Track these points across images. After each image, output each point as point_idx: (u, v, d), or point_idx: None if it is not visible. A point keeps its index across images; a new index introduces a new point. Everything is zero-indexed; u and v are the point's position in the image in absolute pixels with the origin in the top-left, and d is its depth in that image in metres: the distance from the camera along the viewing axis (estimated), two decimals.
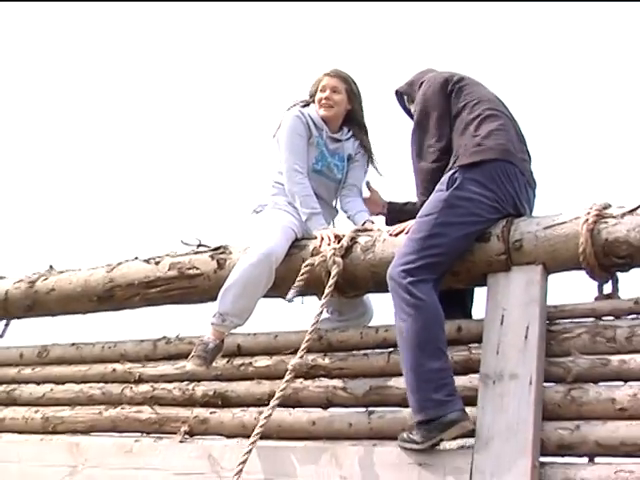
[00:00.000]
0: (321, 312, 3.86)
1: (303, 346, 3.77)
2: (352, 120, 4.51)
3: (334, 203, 4.54)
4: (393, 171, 4.63)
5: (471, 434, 3.38)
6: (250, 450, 3.60)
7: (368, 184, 4.55)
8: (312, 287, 4.01)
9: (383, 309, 4.05)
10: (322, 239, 4.07)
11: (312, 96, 4.52)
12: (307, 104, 4.50)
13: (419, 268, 3.55)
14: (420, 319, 3.46)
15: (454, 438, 3.41)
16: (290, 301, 4.00)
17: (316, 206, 4.23)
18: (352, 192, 4.49)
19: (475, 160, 3.67)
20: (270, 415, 3.65)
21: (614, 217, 3.42)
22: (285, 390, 3.70)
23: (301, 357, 3.76)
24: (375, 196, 4.52)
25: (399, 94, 4.31)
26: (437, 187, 3.72)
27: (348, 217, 4.45)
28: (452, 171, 3.70)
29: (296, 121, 4.39)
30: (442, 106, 3.92)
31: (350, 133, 4.51)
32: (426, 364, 3.41)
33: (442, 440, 3.40)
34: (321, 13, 10.31)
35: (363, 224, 4.22)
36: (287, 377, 3.72)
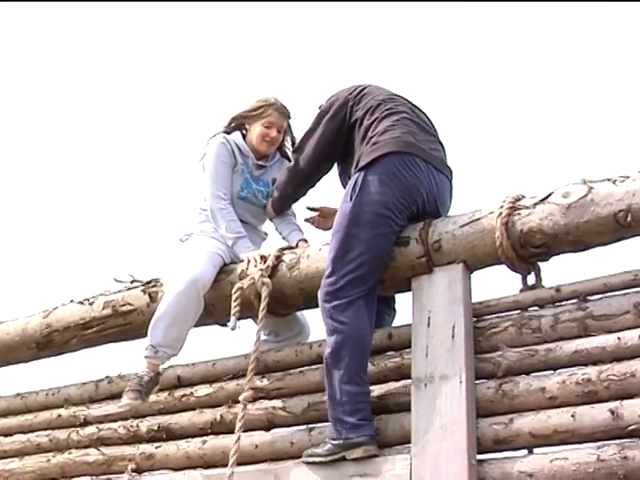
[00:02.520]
0: (259, 338, 3.86)
1: (249, 375, 3.77)
2: (281, 146, 4.52)
3: (261, 227, 4.53)
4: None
5: (407, 440, 3.38)
6: None
7: (307, 208, 4.47)
8: (244, 310, 3.99)
9: (318, 324, 4.04)
10: (248, 261, 4.05)
11: (245, 119, 4.45)
12: (234, 129, 4.48)
13: (341, 289, 3.56)
14: (341, 344, 3.49)
15: (354, 459, 3.42)
16: (233, 329, 3.97)
17: (241, 230, 4.21)
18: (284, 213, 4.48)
19: (372, 158, 3.67)
20: (238, 447, 3.62)
21: (527, 208, 3.43)
22: (242, 422, 3.68)
23: (250, 388, 3.76)
24: (324, 211, 4.40)
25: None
26: (342, 198, 3.72)
27: (283, 238, 4.43)
28: (354, 177, 3.70)
29: (221, 148, 4.37)
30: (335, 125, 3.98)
31: (277, 157, 4.50)
32: (343, 387, 3.46)
33: (344, 458, 3.43)
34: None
35: (296, 244, 4.21)
36: (240, 413, 3.70)
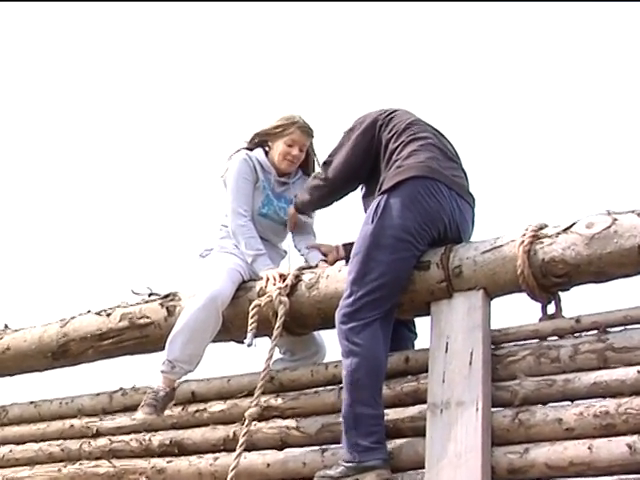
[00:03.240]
0: (271, 356, 3.87)
1: (257, 392, 3.78)
2: (303, 164, 4.52)
3: (281, 245, 4.53)
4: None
5: (421, 465, 3.36)
6: None
7: (307, 247, 4.44)
8: (260, 328, 3.99)
9: (334, 345, 4.03)
10: (267, 279, 4.05)
11: (268, 136, 4.46)
12: (256, 145, 4.49)
13: (358, 310, 3.55)
14: (356, 366, 3.48)
15: None
16: (249, 346, 3.97)
17: (260, 247, 4.21)
18: (303, 230, 4.48)
19: (395, 181, 3.67)
20: (237, 463, 3.64)
21: (549, 237, 3.42)
22: (246, 437, 3.69)
23: (257, 404, 3.76)
24: (324, 248, 4.42)
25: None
26: (364, 220, 3.72)
27: (302, 255, 4.43)
28: (376, 200, 3.71)
29: (243, 165, 4.38)
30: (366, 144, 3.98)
31: (299, 174, 4.51)
32: (358, 409, 3.45)
33: None
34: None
35: (316, 265, 4.20)
36: (245, 428, 3.71)
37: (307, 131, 4.42)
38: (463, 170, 3.96)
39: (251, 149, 4.46)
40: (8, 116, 10.83)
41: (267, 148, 4.46)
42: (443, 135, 4.01)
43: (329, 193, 4.19)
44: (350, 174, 4.07)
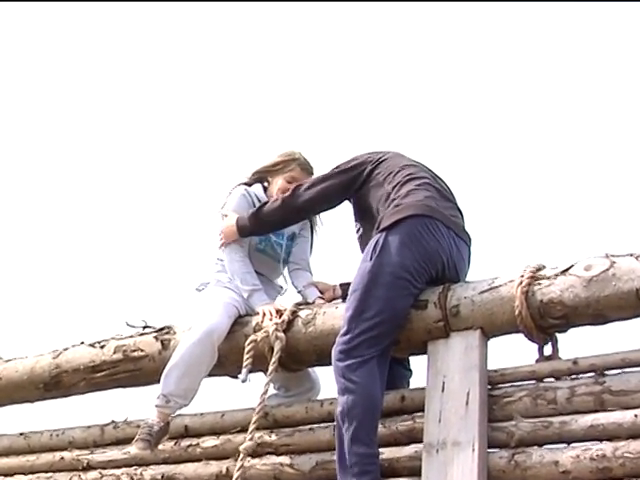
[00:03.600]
0: (266, 391, 3.87)
1: (251, 427, 3.77)
2: None
3: (277, 281, 4.53)
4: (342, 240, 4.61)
5: None
6: None
7: (304, 284, 4.44)
8: (256, 363, 3.98)
9: (329, 381, 4.02)
10: (264, 314, 4.05)
11: (268, 173, 4.48)
12: (255, 181, 4.50)
13: (355, 347, 3.55)
14: (352, 404, 3.47)
15: None
16: (244, 381, 3.96)
17: (256, 282, 4.22)
18: (300, 266, 4.48)
19: (394, 220, 3.69)
20: None
21: (547, 278, 3.44)
22: (241, 472, 3.68)
23: (251, 439, 3.74)
24: (321, 286, 4.43)
25: None
26: (362, 257, 3.73)
27: (298, 292, 4.42)
28: (375, 238, 3.72)
29: (242, 199, 4.39)
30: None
31: None
32: (352, 448, 3.43)
33: None
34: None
35: (313, 301, 4.20)
36: (239, 463, 3.70)
37: (307, 168, 4.44)
38: (459, 209, 3.99)
39: (250, 184, 4.47)
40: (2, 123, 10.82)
41: (266, 184, 4.47)
42: (438, 176, 4.06)
43: (291, 216, 4.24)
44: (319, 204, 4.19)
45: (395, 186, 3.86)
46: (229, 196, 4.46)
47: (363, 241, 4.03)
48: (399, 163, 4.01)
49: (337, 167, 4.15)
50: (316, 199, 4.14)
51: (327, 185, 4.11)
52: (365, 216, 4.01)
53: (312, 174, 4.44)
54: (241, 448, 3.72)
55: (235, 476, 3.64)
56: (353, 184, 4.05)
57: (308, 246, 4.54)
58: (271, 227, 4.31)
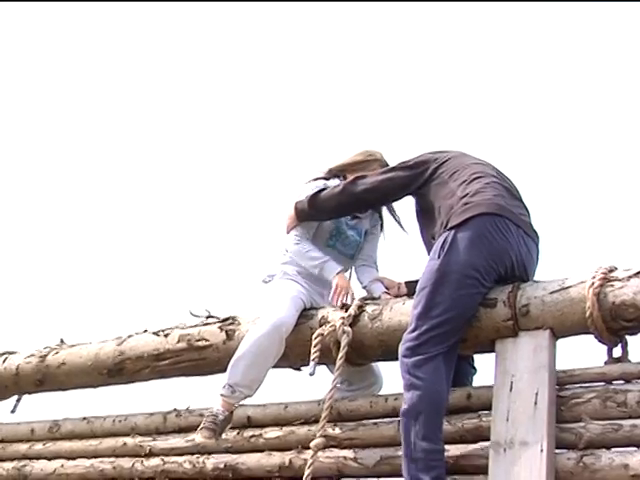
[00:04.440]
0: (335, 385, 3.87)
1: (322, 422, 3.79)
2: None
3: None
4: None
5: None
6: None
7: (370, 279, 4.47)
8: (320, 357, 3.99)
9: (392, 377, 4.03)
10: (337, 290, 4.08)
11: (345, 170, 4.49)
12: (333, 176, 4.52)
13: (422, 345, 3.56)
14: (417, 400, 3.48)
15: None
16: (312, 374, 3.97)
17: (322, 255, 4.25)
18: (367, 262, 4.51)
19: (464, 218, 3.68)
20: None
21: (620, 280, 3.41)
22: (312, 469, 3.70)
23: (322, 435, 3.77)
24: (387, 282, 4.45)
25: None
26: (430, 255, 3.74)
27: (363, 287, 4.43)
28: (443, 236, 3.72)
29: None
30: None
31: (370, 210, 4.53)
32: (418, 443, 3.44)
33: None
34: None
35: (379, 296, 4.21)
36: (310, 460, 3.73)
37: (381, 165, 4.42)
38: (526, 208, 3.97)
39: (327, 179, 4.48)
40: (18, 120, 10.92)
41: (342, 179, 4.47)
42: (504, 174, 4.03)
43: (347, 205, 4.26)
44: (378, 196, 4.20)
45: (461, 184, 3.85)
46: (306, 187, 4.47)
47: (426, 239, 4.03)
48: (465, 162, 4.00)
49: (401, 163, 4.17)
50: (376, 191, 4.16)
51: (389, 178, 4.13)
52: (429, 214, 4.00)
53: None
54: (312, 445, 3.73)
55: (307, 472, 3.66)
56: (415, 181, 4.06)
57: (377, 243, 4.55)
58: (328, 213, 4.33)
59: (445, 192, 3.91)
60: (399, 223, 4.52)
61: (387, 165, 4.42)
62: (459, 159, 4.04)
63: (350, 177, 4.39)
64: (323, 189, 4.30)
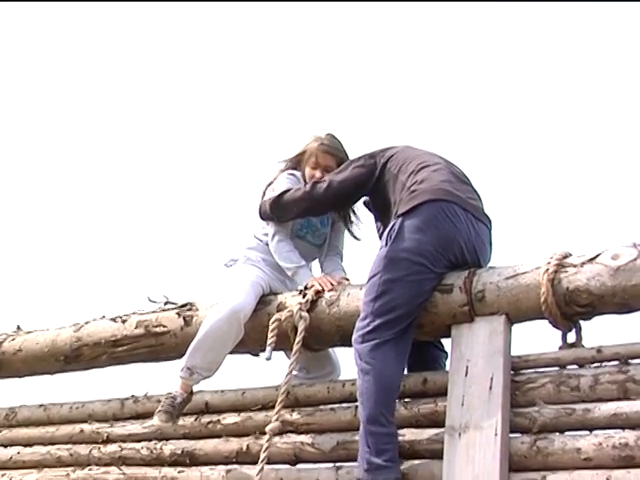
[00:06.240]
0: (291, 370, 3.88)
1: (277, 408, 3.79)
2: None
3: (311, 265, 4.52)
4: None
5: None
6: None
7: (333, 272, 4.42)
8: (278, 342, 4.00)
9: (350, 363, 4.04)
10: (320, 285, 4.05)
11: (298, 161, 4.45)
12: (291, 168, 4.48)
13: (373, 331, 3.59)
14: (368, 384, 3.52)
15: None
16: (268, 359, 3.99)
17: (301, 260, 4.23)
18: (331, 252, 4.48)
19: (411, 206, 3.71)
20: (260, 478, 3.65)
21: (574, 266, 3.44)
22: (267, 453, 3.70)
23: (277, 419, 3.77)
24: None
25: None
26: (380, 244, 3.76)
27: (325, 275, 4.42)
28: (391, 224, 3.75)
29: (291, 180, 4.38)
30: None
31: None
32: (369, 427, 3.48)
33: None
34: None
35: (339, 282, 4.21)
36: (266, 443, 3.73)
37: (328, 151, 4.39)
38: (476, 192, 3.99)
39: (294, 168, 4.47)
40: (14, 116, 10.84)
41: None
42: (451, 162, 4.06)
43: (310, 209, 4.27)
44: (339, 198, 4.21)
45: (409, 175, 3.88)
46: (277, 178, 4.44)
47: (381, 232, 4.06)
48: (411, 154, 4.04)
49: (352, 162, 4.19)
50: (333, 197, 4.17)
51: (344, 180, 4.14)
52: (383, 210, 4.03)
53: (337, 155, 4.39)
54: (267, 429, 3.74)
55: (262, 457, 3.66)
56: (370, 179, 4.07)
57: (342, 234, 4.53)
58: (291, 216, 4.32)
59: (396, 186, 3.93)
60: (350, 231, 4.51)
61: (329, 146, 4.39)
62: (405, 152, 4.07)
63: (303, 167, 4.41)
64: (286, 191, 4.28)
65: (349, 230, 4.51)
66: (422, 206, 3.70)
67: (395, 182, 3.94)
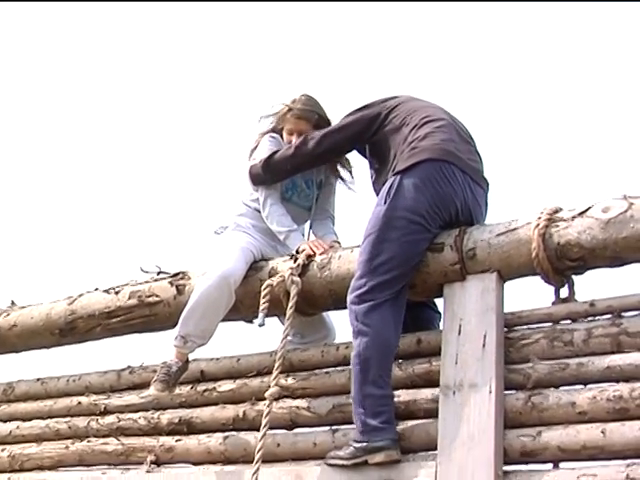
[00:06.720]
0: (286, 335, 3.85)
1: (275, 372, 3.77)
2: None
3: (302, 228, 4.49)
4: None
5: (433, 447, 3.37)
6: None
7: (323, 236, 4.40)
8: (271, 308, 3.98)
9: (344, 326, 4.03)
10: (311, 249, 4.01)
11: (276, 126, 4.41)
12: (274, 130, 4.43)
13: (369, 291, 3.55)
14: (365, 346, 3.50)
15: (377, 464, 3.41)
16: (261, 325, 3.97)
17: (293, 224, 4.19)
18: (321, 216, 4.44)
19: (410, 163, 3.66)
20: (263, 444, 3.62)
21: (565, 220, 3.41)
22: (268, 418, 3.68)
23: (276, 384, 3.75)
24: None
25: None
26: (376, 201, 3.71)
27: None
28: (389, 181, 3.70)
29: (273, 143, 4.34)
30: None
31: None
32: (366, 389, 3.46)
33: (366, 462, 3.43)
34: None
35: (331, 246, 4.19)
36: (266, 409, 3.71)
37: (300, 115, 4.33)
38: (478, 153, 3.94)
39: (275, 131, 4.42)
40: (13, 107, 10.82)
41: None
42: (456, 118, 4.00)
43: (304, 163, 4.21)
44: (332, 149, 4.14)
45: (412, 129, 3.81)
46: (259, 141, 4.39)
47: (377, 185, 3.99)
48: (415, 106, 3.95)
49: (350, 114, 4.10)
50: (329, 147, 4.11)
51: (341, 133, 4.08)
52: (383, 161, 3.95)
53: (311, 119, 4.32)
54: (267, 394, 3.72)
55: (263, 422, 3.64)
56: (367, 131, 4.00)
57: (333, 195, 4.49)
58: (284, 175, 4.28)
59: (398, 138, 3.86)
60: (345, 183, 4.46)
61: (302, 111, 4.33)
62: (410, 103, 3.98)
63: (284, 134, 4.35)
64: (276, 152, 4.23)
65: (346, 185, 4.46)
66: (421, 164, 3.65)
67: (397, 134, 3.86)
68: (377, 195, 3.92)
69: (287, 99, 4.42)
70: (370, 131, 3.99)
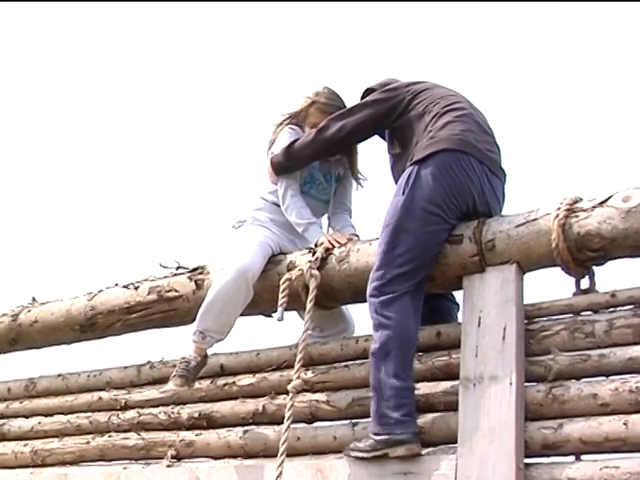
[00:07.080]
0: (307, 328, 3.84)
1: (297, 365, 3.75)
2: None
3: (320, 221, 4.46)
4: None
5: (453, 440, 3.35)
6: (280, 473, 3.53)
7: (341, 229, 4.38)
8: (290, 302, 3.97)
9: (363, 319, 4.02)
10: (330, 243, 4.00)
11: (298, 118, 4.40)
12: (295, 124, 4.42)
13: (388, 283, 3.53)
14: (386, 338, 3.47)
15: (398, 457, 3.39)
16: (280, 320, 3.95)
17: (312, 217, 4.18)
18: (339, 209, 4.43)
19: (427, 153, 3.63)
20: (287, 436, 3.61)
21: (585, 210, 3.37)
22: (292, 411, 3.67)
23: (298, 377, 3.74)
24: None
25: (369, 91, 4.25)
26: (395, 191, 3.69)
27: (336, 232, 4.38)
28: (407, 171, 3.67)
29: (292, 135, 4.32)
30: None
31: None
32: (388, 382, 3.43)
33: (387, 455, 3.40)
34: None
35: (349, 239, 4.17)
36: (289, 402, 3.70)
37: (326, 109, 4.31)
38: (496, 144, 3.90)
39: (295, 123, 4.40)
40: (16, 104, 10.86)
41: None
42: (477, 108, 3.96)
43: (325, 149, 4.18)
44: (354, 135, 4.10)
45: (433, 117, 3.78)
46: (279, 135, 4.38)
47: (396, 172, 3.94)
48: (439, 93, 3.91)
49: (373, 97, 4.05)
50: (350, 131, 4.05)
51: (362, 116, 4.02)
52: (403, 147, 3.91)
53: (328, 112, 4.26)
54: (290, 387, 3.71)
55: (287, 415, 3.63)
56: (390, 115, 3.96)
57: (350, 189, 4.48)
58: (305, 161, 4.24)
59: (420, 125, 3.83)
60: (355, 177, 4.45)
61: (327, 105, 4.32)
62: (434, 90, 3.95)
63: (306, 128, 4.33)
64: (296, 139, 4.22)
65: (357, 181, 4.45)
66: (438, 154, 3.62)
67: (419, 121, 3.83)
68: (395, 181, 3.91)
69: (309, 92, 4.41)
70: (393, 116, 3.96)
